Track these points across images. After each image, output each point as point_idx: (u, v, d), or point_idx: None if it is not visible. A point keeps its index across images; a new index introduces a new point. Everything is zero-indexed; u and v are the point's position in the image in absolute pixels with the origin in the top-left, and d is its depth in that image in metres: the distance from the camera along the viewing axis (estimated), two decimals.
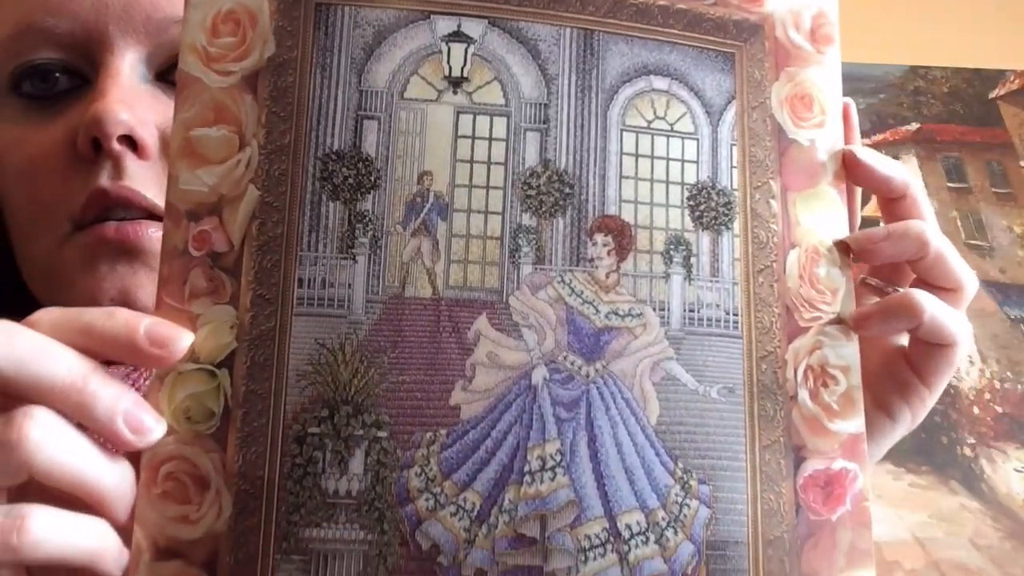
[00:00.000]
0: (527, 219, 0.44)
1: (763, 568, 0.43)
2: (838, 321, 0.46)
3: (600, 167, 0.45)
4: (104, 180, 0.57)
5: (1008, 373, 1.42)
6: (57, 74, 0.60)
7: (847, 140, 0.49)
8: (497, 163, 0.45)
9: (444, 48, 0.45)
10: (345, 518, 0.41)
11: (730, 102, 0.47)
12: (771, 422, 0.45)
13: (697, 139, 0.47)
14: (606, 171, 0.45)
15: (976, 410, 1.39)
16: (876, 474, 1.33)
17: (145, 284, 0.58)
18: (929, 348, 0.48)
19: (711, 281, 0.46)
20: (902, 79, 1.68)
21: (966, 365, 1.42)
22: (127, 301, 0.58)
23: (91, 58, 0.59)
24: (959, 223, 1.55)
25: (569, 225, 0.44)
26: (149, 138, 0.57)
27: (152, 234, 0.58)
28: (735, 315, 0.45)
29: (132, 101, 0.57)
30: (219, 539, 0.40)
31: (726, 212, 0.46)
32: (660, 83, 0.46)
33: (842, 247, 0.47)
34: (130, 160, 0.57)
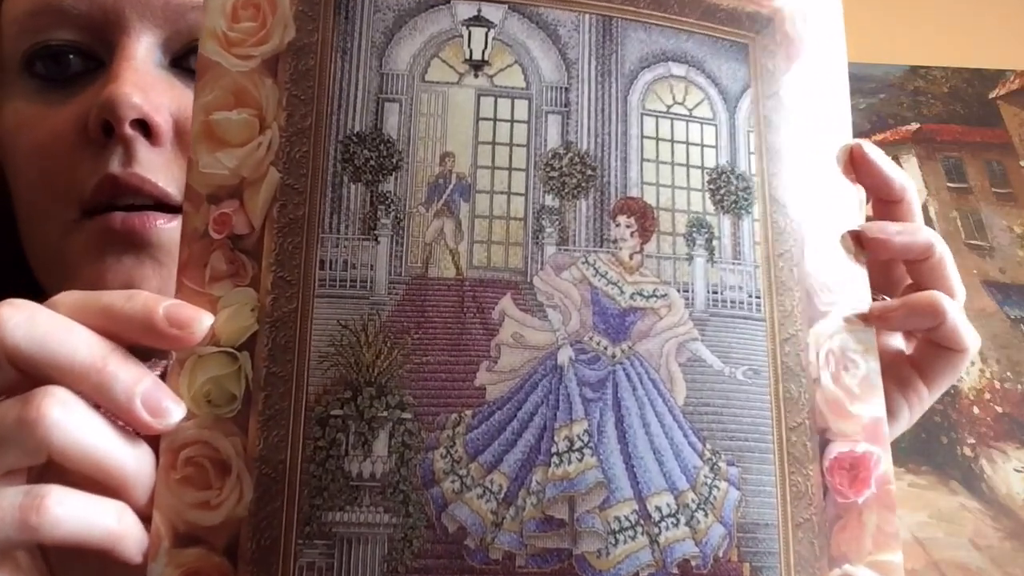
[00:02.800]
0: (550, 200, 0.42)
1: (793, 551, 0.40)
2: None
3: (621, 150, 0.43)
4: (115, 166, 0.53)
5: (1008, 373, 1.40)
6: (71, 56, 0.56)
7: (877, 186, 0.47)
8: (519, 145, 0.42)
9: (464, 32, 0.43)
10: (369, 501, 0.38)
11: (745, 90, 0.45)
12: (796, 404, 0.42)
13: (715, 125, 0.45)
14: (627, 154, 0.43)
15: (976, 410, 1.36)
16: None
17: (151, 277, 0.55)
18: (939, 351, 0.46)
19: (733, 264, 0.43)
20: (902, 79, 1.65)
21: (966, 365, 1.39)
22: None
23: (107, 41, 0.56)
24: (959, 223, 1.52)
25: (592, 206, 0.42)
26: (163, 124, 0.54)
27: (160, 226, 0.54)
28: (757, 298, 0.43)
29: (146, 86, 0.54)
30: (240, 524, 0.37)
31: (746, 197, 0.44)
32: (678, 69, 0.44)
33: (854, 236, 0.45)
34: (141, 146, 0.53)
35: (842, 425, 0.42)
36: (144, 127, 0.53)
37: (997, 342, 1.42)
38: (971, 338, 0.46)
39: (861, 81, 1.62)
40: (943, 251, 0.46)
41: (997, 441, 1.34)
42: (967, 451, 1.34)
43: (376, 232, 0.40)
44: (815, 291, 0.44)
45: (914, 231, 0.45)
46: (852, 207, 0.46)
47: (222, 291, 0.39)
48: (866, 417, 0.43)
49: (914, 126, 1.61)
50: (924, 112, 1.63)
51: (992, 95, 1.64)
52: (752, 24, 0.46)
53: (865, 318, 0.44)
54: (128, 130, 0.53)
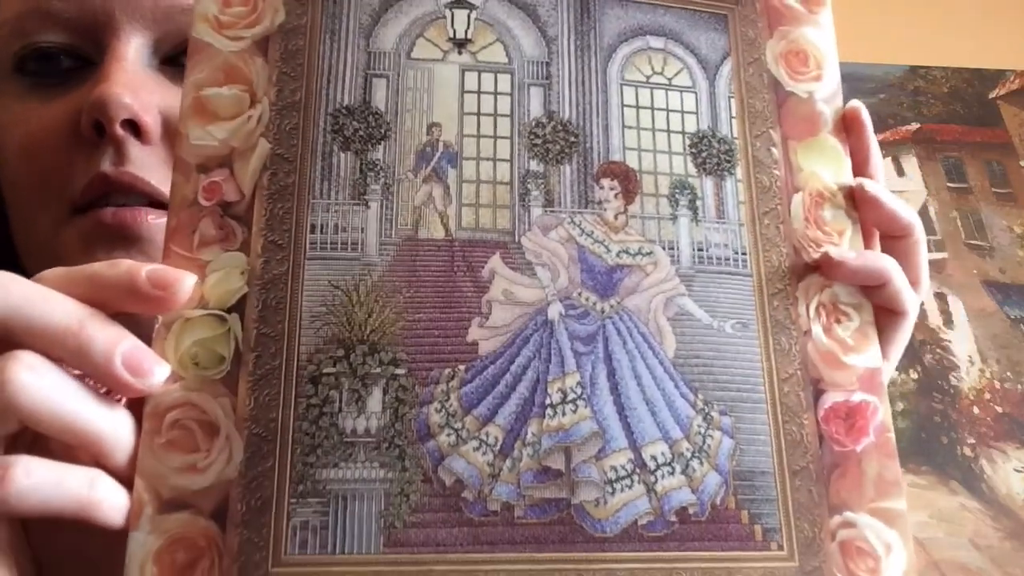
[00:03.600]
0: (535, 165, 0.42)
1: (791, 498, 0.39)
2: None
3: (603, 118, 0.44)
4: (106, 165, 0.53)
5: (1008, 373, 1.38)
6: (61, 57, 0.57)
7: (860, 150, 0.46)
8: (503, 115, 0.43)
9: (448, 14, 0.44)
10: (364, 457, 0.37)
11: (725, 58, 0.46)
12: (787, 356, 0.42)
13: (695, 92, 0.45)
14: (608, 121, 0.44)
15: (976, 410, 1.34)
16: None
17: None
18: (884, 315, 0.45)
19: (718, 222, 0.43)
20: (902, 79, 1.64)
21: (966, 365, 1.37)
22: None
23: (97, 42, 0.56)
24: (959, 223, 1.50)
25: (576, 171, 0.43)
26: (152, 123, 0.54)
27: (151, 221, 0.54)
28: (743, 254, 0.43)
29: (136, 86, 0.54)
30: (230, 486, 0.36)
31: (728, 159, 0.44)
32: (656, 42, 0.45)
33: (847, 192, 0.45)
34: (132, 145, 0.53)
35: (836, 376, 0.42)
36: (134, 127, 0.53)
37: (997, 342, 1.40)
38: (912, 302, 0.45)
39: (861, 81, 1.60)
40: (921, 238, 0.46)
41: (997, 441, 1.32)
42: (967, 451, 1.32)
43: (366, 197, 0.41)
44: (803, 247, 0.44)
45: (903, 207, 0.46)
46: (841, 164, 0.46)
47: (211, 256, 0.39)
48: (861, 367, 0.42)
49: (914, 126, 1.60)
50: (924, 112, 1.61)
51: (992, 95, 1.63)
52: None
53: (818, 264, 0.43)
54: (119, 130, 0.53)
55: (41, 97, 0.57)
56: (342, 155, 0.41)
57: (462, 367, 0.39)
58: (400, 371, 0.38)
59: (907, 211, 0.45)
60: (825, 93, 0.47)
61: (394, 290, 0.39)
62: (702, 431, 0.39)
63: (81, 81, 0.56)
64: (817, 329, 0.42)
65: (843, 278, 0.43)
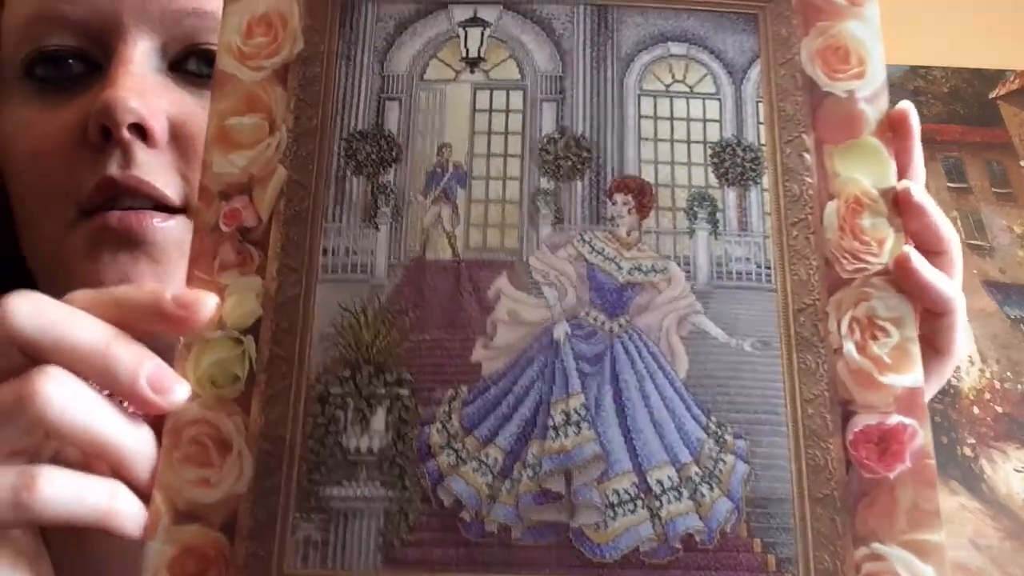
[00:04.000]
0: (545, 183, 0.42)
1: (811, 527, 0.37)
2: (886, 272, 0.41)
3: (618, 131, 0.42)
4: (113, 169, 0.54)
5: (1008, 373, 1.34)
6: (70, 60, 0.57)
7: (904, 155, 0.43)
8: (514, 133, 0.43)
9: (461, 33, 0.44)
10: (366, 475, 0.37)
11: (754, 61, 0.44)
12: (813, 375, 0.39)
13: (719, 99, 0.43)
14: (624, 134, 0.42)
15: (976, 410, 1.31)
16: None
17: (146, 273, 0.54)
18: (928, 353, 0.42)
19: (739, 235, 0.41)
20: (902, 79, 1.60)
21: (966, 365, 1.35)
22: None
23: (105, 46, 0.56)
24: (959, 223, 1.46)
25: (588, 187, 0.42)
26: (159, 127, 0.53)
27: (156, 225, 0.54)
28: (767, 268, 0.41)
29: (143, 90, 0.54)
30: (239, 501, 0.37)
31: (753, 168, 0.42)
32: (678, 48, 0.44)
33: (891, 197, 0.42)
34: (139, 149, 0.54)
35: (869, 396, 0.39)
36: (141, 131, 0.53)
37: (997, 342, 1.37)
38: (960, 345, 0.42)
39: None
40: (958, 257, 0.43)
41: (997, 441, 1.29)
42: (967, 451, 1.28)
43: (376, 220, 0.41)
44: (836, 258, 0.41)
45: (946, 223, 0.43)
46: (884, 167, 0.43)
47: (230, 279, 0.40)
48: (899, 387, 0.39)
49: None
50: (924, 112, 1.52)
51: (992, 95, 1.58)
52: None
53: (853, 277, 0.40)
54: (126, 134, 0.53)
55: (49, 102, 0.57)
56: (355, 179, 0.42)
57: (464, 387, 0.38)
58: (404, 391, 0.38)
59: (950, 230, 0.42)
60: (868, 92, 0.43)
61: (401, 311, 0.39)
62: (713, 455, 0.38)
63: (88, 86, 0.56)
64: (849, 346, 0.40)
65: (910, 285, 0.40)
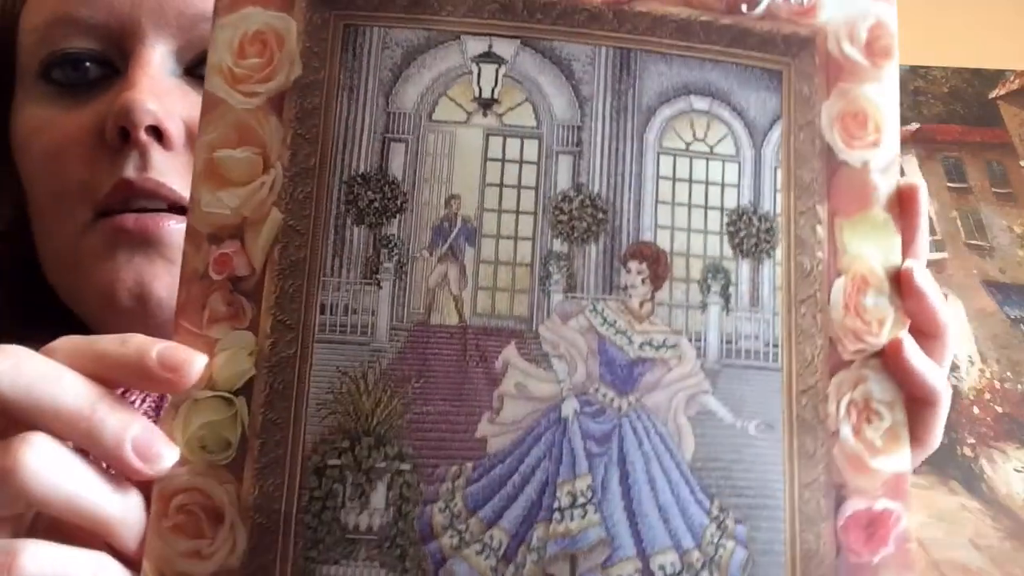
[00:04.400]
0: (558, 245, 0.40)
1: None
2: (883, 353, 0.41)
3: (635, 192, 0.40)
4: (130, 171, 0.54)
5: (1008, 373, 1.35)
6: (88, 63, 0.57)
7: (908, 233, 0.42)
8: (528, 187, 0.40)
9: (475, 69, 0.40)
10: (365, 555, 0.36)
11: (776, 122, 0.42)
12: (811, 459, 0.39)
13: (739, 162, 0.41)
14: (641, 196, 0.40)
15: (976, 410, 1.32)
16: None
17: (162, 275, 0.55)
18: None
19: (750, 311, 0.40)
20: (902, 79, 1.61)
21: (966, 365, 1.36)
22: (143, 291, 0.55)
23: (122, 49, 0.56)
24: (959, 223, 1.47)
25: (602, 252, 0.40)
26: (175, 129, 0.54)
27: (172, 227, 0.55)
28: (775, 347, 0.40)
29: (160, 93, 0.54)
30: (232, 575, 0.36)
31: (767, 239, 0.41)
32: (700, 103, 0.41)
33: (893, 275, 0.41)
34: (156, 151, 0.54)
35: (860, 481, 0.39)
36: (158, 133, 0.54)
37: (997, 342, 1.37)
38: (936, 439, 0.43)
39: None
40: (951, 343, 0.43)
41: (997, 441, 1.30)
42: (967, 451, 1.29)
43: (379, 276, 0.38)
44: (839, 338, 0.40)
45: (944, 308, 0.42)
46: (891, 244, 0.42)
47: (220, 333, 0.37)
48: (887, 472, 0.40)
49: (914, 126, 1.55)
50: (924, 112, 1.57)
51: (992, 95, 1.58)
52: (788, 48, 0.42)
53: (856, 356, 0.40)
54: (143, 135, 0.53)
55: (66, 104, 0.57)
56: (355, 229, 0.39)
57: (469, 465, 0.37)
58: (405, 466, 0.37)
59: (946, 316, 0.42)
60: (882, 162, 0.42)
61: (403, 379, 0.37)
62: (715, 540, 0.38)
63: (105, 89, 0.56)
64: (846, 430, 0.40)
65: (899, 370, 0.40)
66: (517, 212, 0.40)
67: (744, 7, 0.41)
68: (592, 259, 0.40)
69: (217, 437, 0.37)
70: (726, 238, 0.40)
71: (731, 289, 0.40)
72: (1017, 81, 1.59)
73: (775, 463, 0.39)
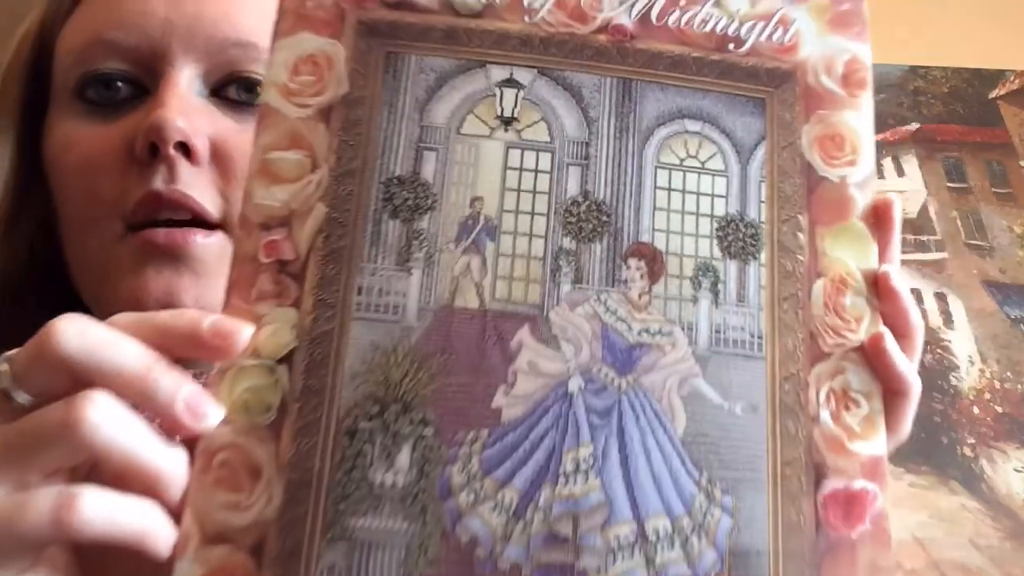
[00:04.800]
0: (567, 243, 0.44)
1: None
2: (861, 348, 0.45)
3: (635, 199, 0.45)
4: (158, 183, 0.57)
5: (1008, 373, 1.34)
6: (119, 83, 0.61)
7: (885, 240, 0.47)
8: (542, 192, 0.45)
9: (497, 92, 0.46)
10: (390, 509, 0.40)
11: (760, 142, 0.47)
12: (793, 440, 0.43)
13: (727, 176, 0.47)
14: (641, 203, 0.45)
15: (976, 410, 1.30)
16: None
17: (189, 288, 0.58)
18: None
19: (737, 306, 0.45)
20: (902, 79, 1.59)
21: (966, 365, 1.35)
22: (171, 302, 0.57)
23: (153, 71, 0.60)
24: (959, 223, 1.47)
25: (606, 250, 0.44)
26: (201, 146, 0.58)
27: (199, 241, 0.58)
28: (759, 338, 0.44)
29: (188, 112, 0.58)
30: (268, 526, 0.39)
31: (753, 243, 0.46)
32: (693, 126, 0.47)
33: (870, 278, 0.46)
34: (183, 165, 0.57)
35: (839, 462, 0.43)
36: (185, 149, 0.57)
37: (997, 342, 1.36)
38: (909, 427, 0.46)
39: None
40: (920, 342, 0.47)
41: (997, 441, 1.29)
42: (967, 451, 1.28)
43: (409, 264, 0.43)
44: (819, 333, 0.45)
45: (916, 311, 0.46)
46: (867, 250, 0.46)
47: (266, 309, 0.42)
48: (865, 455, 0.43)
49: (914, 126, 1.55)
50: (924, 112, 1.57)
51: (992, 95, 1.58)
52: (771, 80, 0.47)
53: (833, 350, 0.44)
54: (172, 151, 0.57)
55: (98, 121, 0.61)
56: (391, 222, 0.43)
57: (485, 432, 0.41)
58: (428, 431, 0.41)
59: (917, 317, 0.46)
60: (858, 178, 0.47)
61: (429, 354, 0.42)
62: (704, 508, 0.41)
63: (135, 107, 0.60)
64: (825, 415, 0.44)
65: (878, 363, 0.44)
66: (532, 213, 0.44)
67: (731, 45, 0.47)
68: (597, 256, 0.44)
69: (259, 400, 0.41)
70: (715, 241, 0.45)
71: (719, 286, 0.45)
72: (1017, 81, 1.58)
73: (759, 441, 0.43)
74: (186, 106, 0.58)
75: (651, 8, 0.46)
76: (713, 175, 0.46)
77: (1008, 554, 1.21)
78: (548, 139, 0.46)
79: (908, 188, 1.51)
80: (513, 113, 0.46)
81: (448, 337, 0.42)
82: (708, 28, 0.46)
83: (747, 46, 0.47)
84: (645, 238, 0.45)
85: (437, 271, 0.43)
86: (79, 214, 0.62)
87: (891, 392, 0.45)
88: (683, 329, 0.44)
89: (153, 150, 0.57)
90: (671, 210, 0.45)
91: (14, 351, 0.40)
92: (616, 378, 0.43)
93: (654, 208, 0.45)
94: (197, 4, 0.61)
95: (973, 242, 1.45)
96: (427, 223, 0.43)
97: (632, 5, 0.46)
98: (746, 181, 0.47)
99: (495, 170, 0.45)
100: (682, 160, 0.46)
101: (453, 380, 0.41)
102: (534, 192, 0.45)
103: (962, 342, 1.38)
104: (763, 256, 0.45)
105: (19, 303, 0.63)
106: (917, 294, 1.42)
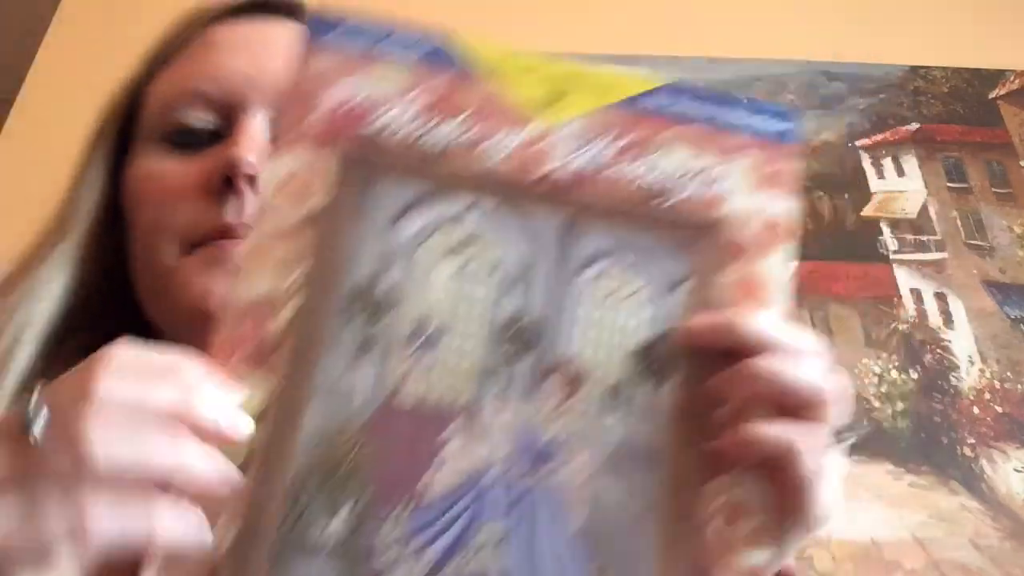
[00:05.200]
0: (499, 354, 0.53)
1: None
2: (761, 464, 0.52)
3: (567, 323, 0.53)
4: (231, 215, 0.67)
5: (1008, 373, 1.34)
6: (201, 129, 0.71)
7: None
8: (483, 310, 0.53)
9: (459, 218, 0.54)
10: (324, 562, 0.49)
11: (683, 282, 0.54)
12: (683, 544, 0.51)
13: (652, 307, 0.54)
14: (571, 326, 0.53)
15: (976, 410, 1.31)
16: (876, 474, 1.23)
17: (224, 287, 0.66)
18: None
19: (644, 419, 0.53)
20: (902, 79, 1.60)
21: (966, 365, 1.36)
22: (221, 303, 0.64)
23: (229, 117, 0.71)
24: (959, 223, 1.47)
25: (535, 362, 0.53)
26: None
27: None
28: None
29: (259, 151, 0.68)
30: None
31: (673, 364, 0.53)
32: (622, 262, 0.54)
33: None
34: (250, 199, 0.67)
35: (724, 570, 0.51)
36: (253, 181, 0.67)
37: (997, 342, 1.37)
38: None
39: (861, 81, 1.56)
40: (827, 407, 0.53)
41: (997, 441, 1.29)
42: (967, 451, 1.29)
43: (365, 359, 0.52)
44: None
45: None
46: None
47: (248, 371, 0.50)
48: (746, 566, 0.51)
49: (914, 126, 1.56)
50: (924, 112, 1.57)
51: (992, 95, 1.58)
52: (696, 229, 0.55)
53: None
54: (244, 184, 0.67)
55: (179, 159, 0.71)
56: (356, 320, 0.52)
57: (413, 503, 0.50)
58: (366, 497, 0.50)
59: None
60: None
61: (372, 436, 0.51)
62: None
63: (211, 146, 0.70)
64: (715, 525, 0.52)
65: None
66: (474, 324, 0.53)
67: (656, 201, 0.54)
68: (527, 366, 0.53)
69: (234, 450, 0.50)
70: (633, 362, 0.53)
71: (633, 402, 0.53)
72: (1017, 81, 1.59)
73: (647, 549, 0.51)
74: (256, 147, 0.68)
75: (590, 165, 0.53)
76: (639, 306, 0.54)
77: (1008, 554, 1.21)
78: (498, 260, 0.54)
79: (908, 188, 1.53)
80: (468, 239, 0.53)
81: (388, 428, 0.51)
82: (638, 185, 0.54)
83: (671, 202, 0.54)
84: (571, 354, 0.53)
85: (386, 370, 0.52)
86: (153, 238, 0.71)
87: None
88: (590, 441, 0.52)
89: (227, 182, 0.68)
90: (600, 329, 0.53)
91: (55, 382, 0.46)
92: (530, 473, 0.51)
93: (583, 327, 0.53)
94: (270, 60, 0.72)
95: (973, 242, 1.47)
96: (383, 325, 0.52)
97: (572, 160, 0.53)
98: (670, 314, 0.54)
99: (445, 287, 0.53)
100: (611, 292, 0.54)
101: (391, 460, 0.50)
102: (479, 305, 0.53)
103: (962, 342, 1.39)
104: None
105: (94, 323, 0.73)
106: (917, 294, 1.45)
